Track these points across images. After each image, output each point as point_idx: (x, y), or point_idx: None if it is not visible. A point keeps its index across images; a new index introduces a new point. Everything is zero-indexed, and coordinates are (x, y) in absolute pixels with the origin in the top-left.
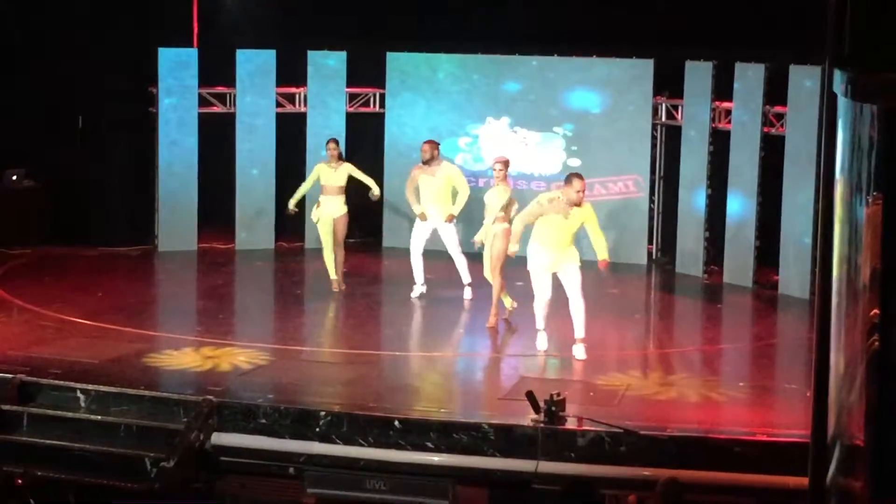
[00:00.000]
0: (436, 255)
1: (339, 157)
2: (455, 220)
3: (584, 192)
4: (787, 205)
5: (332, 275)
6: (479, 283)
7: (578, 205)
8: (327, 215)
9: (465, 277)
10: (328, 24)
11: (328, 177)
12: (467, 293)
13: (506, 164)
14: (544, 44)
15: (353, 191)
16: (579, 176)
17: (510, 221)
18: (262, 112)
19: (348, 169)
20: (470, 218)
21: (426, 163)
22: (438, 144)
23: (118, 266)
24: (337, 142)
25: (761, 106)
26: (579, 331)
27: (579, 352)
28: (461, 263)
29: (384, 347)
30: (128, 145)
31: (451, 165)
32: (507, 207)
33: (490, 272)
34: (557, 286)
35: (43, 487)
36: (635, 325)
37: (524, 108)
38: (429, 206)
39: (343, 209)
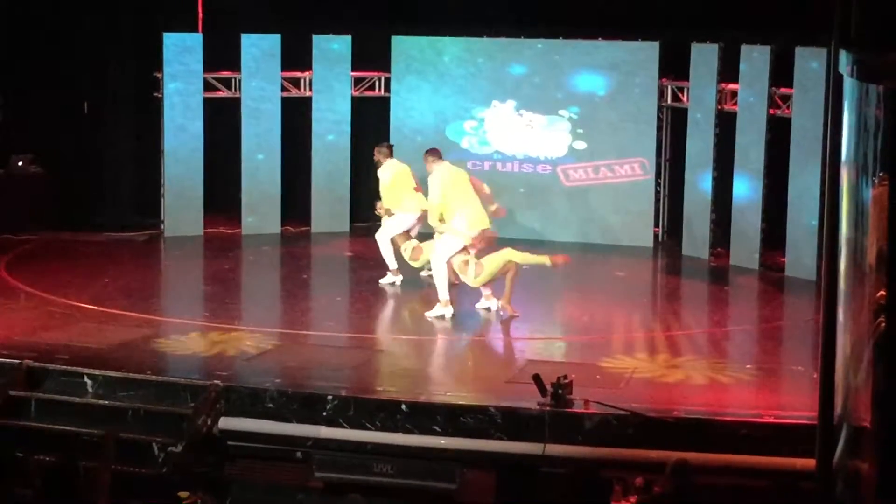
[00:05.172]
0: None
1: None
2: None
3: None
4: (793, 186)
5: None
6: None
7: None
8: None
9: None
10: (333, 7)
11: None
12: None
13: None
14: (550, 26)
15: (365, 173)
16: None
17: None
18: (268, 97)
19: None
20: None
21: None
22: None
23: (124, 251)
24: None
25: (767, 87)
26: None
27: None
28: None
29: (391, 331)
30: (133, 130)
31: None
32: None
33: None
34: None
35: (51, 472)
36: (642, 307)
37: (530, 92)
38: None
39: None
